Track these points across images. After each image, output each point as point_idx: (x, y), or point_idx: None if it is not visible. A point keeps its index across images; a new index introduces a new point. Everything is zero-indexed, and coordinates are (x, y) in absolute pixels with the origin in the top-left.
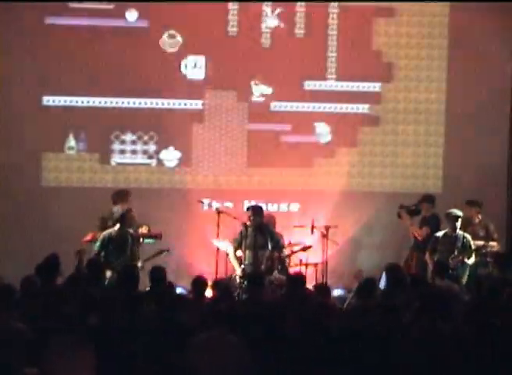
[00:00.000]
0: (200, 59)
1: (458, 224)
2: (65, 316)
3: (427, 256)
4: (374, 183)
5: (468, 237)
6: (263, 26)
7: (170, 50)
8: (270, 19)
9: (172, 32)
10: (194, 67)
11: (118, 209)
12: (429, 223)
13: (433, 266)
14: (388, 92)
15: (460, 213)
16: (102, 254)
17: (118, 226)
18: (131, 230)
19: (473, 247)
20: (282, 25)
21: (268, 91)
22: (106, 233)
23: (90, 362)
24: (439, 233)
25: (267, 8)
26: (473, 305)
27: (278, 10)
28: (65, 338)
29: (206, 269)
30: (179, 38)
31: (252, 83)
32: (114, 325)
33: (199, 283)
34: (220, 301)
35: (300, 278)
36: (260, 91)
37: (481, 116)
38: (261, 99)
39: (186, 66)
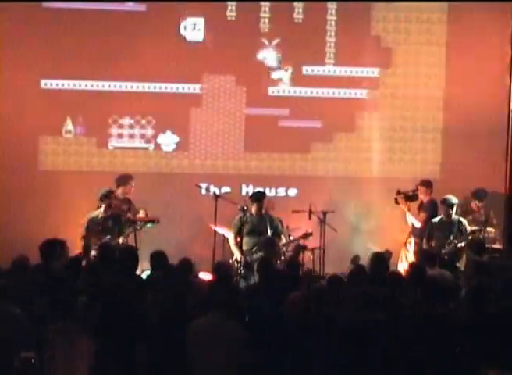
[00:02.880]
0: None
1: (453, 211)
2: (63, 301)
3: (424, 242)
4: (371, 168)
5: (464, 221)
6: (262, 11)
7: None
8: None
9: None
10: (193, 29)
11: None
12: (427, 209)
13: (423, 254)
14: (386, 77)
15: (455, 200)
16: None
17: (103, 207)
18: (116, 211)
19: (469, 231)
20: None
21: (285, 76)
22: (92, 214)
23: (89, 348)
24: (435, 219)
25: None
26: (470, 291)
27: None
28: (64, 324)
29: (203, 254)
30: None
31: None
32: (113, 311)
33: (185, 265)
34: (220, 284)
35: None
36: (279, 75)
37: (479, 102)
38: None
39: (185, 28)
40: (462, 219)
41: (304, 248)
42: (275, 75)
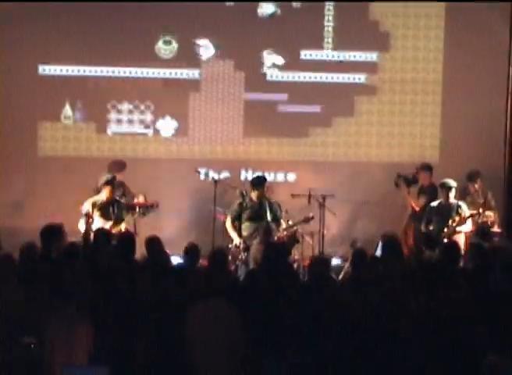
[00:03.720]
0: None
1: (451, 195)
2: (63, 286)
3: (423, 227)
4: (371, 152)
5: (463, 205)
6: None
7: None
8: None
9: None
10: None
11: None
12: (427, 193)
13: (423, 238)
14: (385, 62)
15: (453, 184)
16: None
17: (104, 192)
18: (117, 197)
19: (467, 215)
20: None
21: (280, 60)
22: (92, 200)
23: (88, 333)
24: (434, 203)
25: None
26: (470, 274)
27: None
28: (64, 309)
29: (203, 239)
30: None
31: (265, 53)
32: (112, 296)
33: (192, 250)
34: (217, 270)
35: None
36: (272, 60)
37: (478, 86)
38: (273, 69)
39: None
40: (461, 203)
41: (297, 241)
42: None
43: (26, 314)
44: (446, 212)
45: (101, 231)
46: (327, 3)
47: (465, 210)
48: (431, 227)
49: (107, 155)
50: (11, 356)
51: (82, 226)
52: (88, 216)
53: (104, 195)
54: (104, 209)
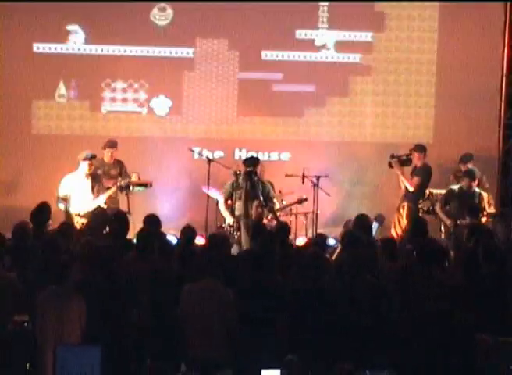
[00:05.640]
0: None
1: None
2: (56, 265)
3: (438, 208)
4: (365, 133)
5: (484, 194)
6: None
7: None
8: None
9: None
10: None
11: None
12: (420, 173)
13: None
14: (379, 42)
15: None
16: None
17: (85, 165)
18: (98, 172)
19: (486, 205)
20: None
21: None
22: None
23: (81, 311)
24: (454, 187)
25: None
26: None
27: None
28: (56, 287)
29: (196, 218)
30: None
31: None
32: (105, 275)
33: (188, 231)
34: (215, 252)
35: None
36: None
37: (472, 66)
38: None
39: None
40: (483, 192)
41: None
42: None
43: (19, 292)
44: (467, 198)
45: (97, 212)
46: None
47: (485, 199)
48: (446, 208)
49: (100, 133)
50: (5, 334)
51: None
52: (66, 200)
53: (82, 171)
54: (85, 185)
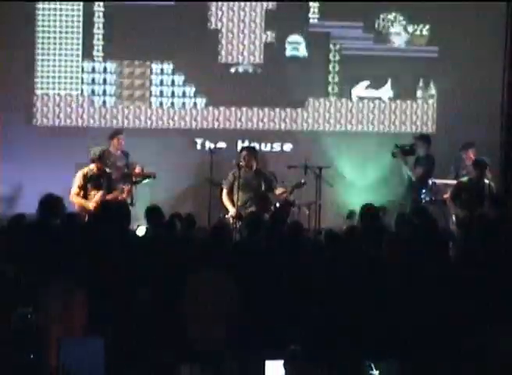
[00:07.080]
0: None
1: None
2: (59, 256)
3: (448, 200)
4: (368, 123)
5: (493, 185)
6: None
7: None
8: None
9: None
10: None
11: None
12: (424, 164)
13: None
14: None
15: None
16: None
17: (94, 164)
18: (107, 169)
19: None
20: None
21: None
22: (83, 171)
23: (84, 304)
24: (464, 179)
25: None
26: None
27: None
28: (59, 279)
29: (199, 209)
30: None
31: None
32: (108, 266)
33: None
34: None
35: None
36: None
37: (474, 56)
38: None
39: None
40: (492, 183)
41: (291, 204)
42: None
43: (20, 284)
44: (477, 190)
45: (100, 204)
46: None
47: (494, 190)
48: (457, 202)
49: (104, 124)
50: (8, 326)
51: (76, 199)
52: (80, 189)
53: (94, 167)
54: (96, 181)
